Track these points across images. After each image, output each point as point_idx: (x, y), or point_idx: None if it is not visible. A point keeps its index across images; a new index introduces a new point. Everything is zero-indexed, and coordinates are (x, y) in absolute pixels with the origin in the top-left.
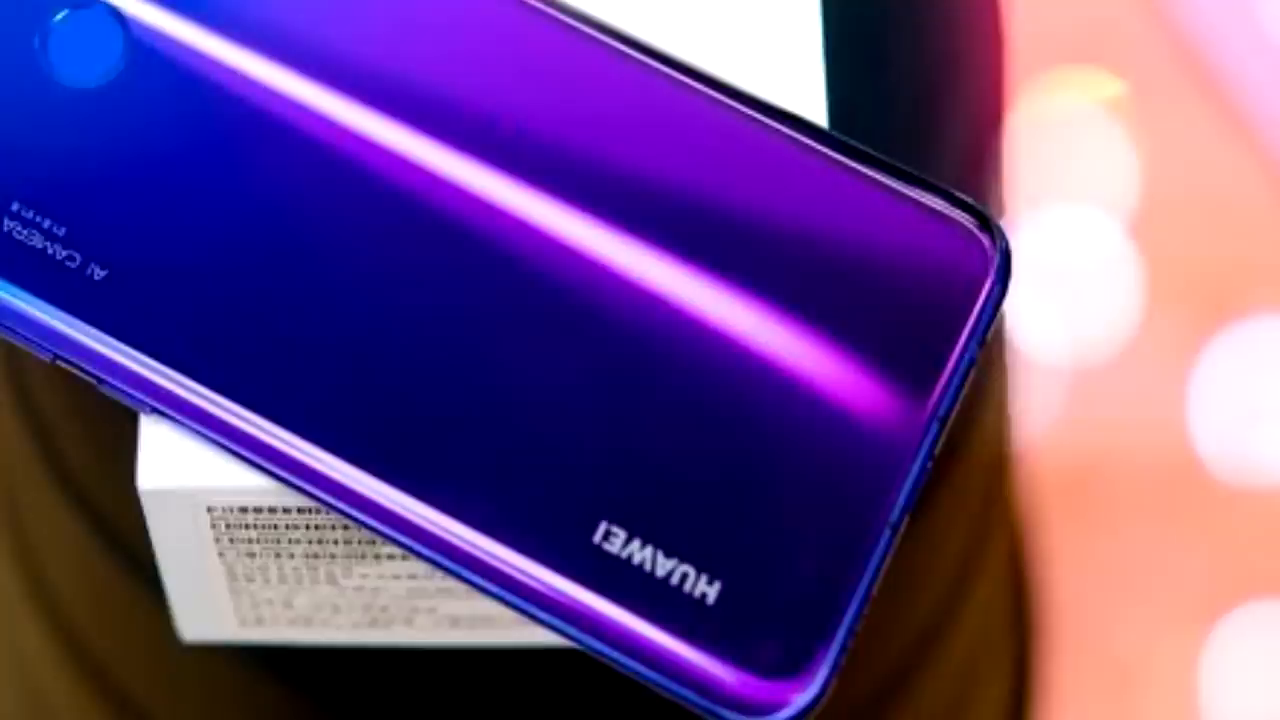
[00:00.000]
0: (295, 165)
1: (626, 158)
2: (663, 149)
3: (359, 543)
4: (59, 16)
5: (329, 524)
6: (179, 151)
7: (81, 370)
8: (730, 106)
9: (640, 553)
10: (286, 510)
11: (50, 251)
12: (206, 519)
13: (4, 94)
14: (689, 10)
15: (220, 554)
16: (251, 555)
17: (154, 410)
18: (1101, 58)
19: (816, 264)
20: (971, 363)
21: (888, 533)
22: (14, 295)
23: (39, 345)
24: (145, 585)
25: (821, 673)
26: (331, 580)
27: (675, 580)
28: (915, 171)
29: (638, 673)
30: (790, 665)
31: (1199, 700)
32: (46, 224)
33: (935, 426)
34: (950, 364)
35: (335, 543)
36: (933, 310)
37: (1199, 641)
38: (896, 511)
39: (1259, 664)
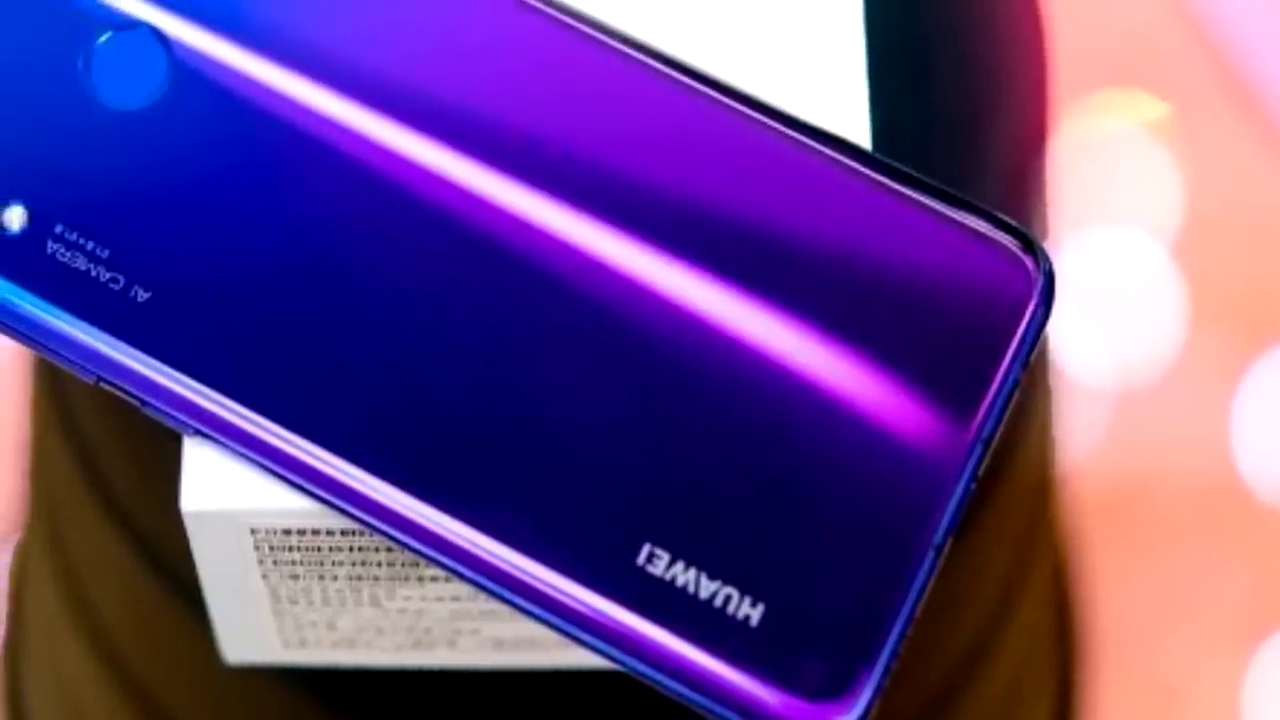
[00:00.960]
0: (337, 187)
1: (669, 179)
2: (706, 170)
3: (402, 565)
4: (102, 38)
5: (372, 546)
6: (222, 173)
7: (125, 392)
8: (773, 128)
9: (684, 575)
10: (330, 532)
11: (94, 274)
12: (250, 541)
13: (48, 116)
14: (733, 32)
15: (264, 576)
16: (295, 577)
17: (197, 432)
18: (1145, 80)
19: (860, 286)
20: (1015, 384)
21: (931, 554)
22: (58, 317)
23: (82, 367)
24: (189, 607)
25: (865, 695)
26: (375, 602)
27: (719, 602)
28: (959, 194)
29: (681, 695)
30: (834, 687)
31: None
32: (90, 246)
33: (979, 448)
34: (994, 386)
35: (379, 565)
36: (976, 332)
37: (1243, 662)
38: (940, 533)
39: None
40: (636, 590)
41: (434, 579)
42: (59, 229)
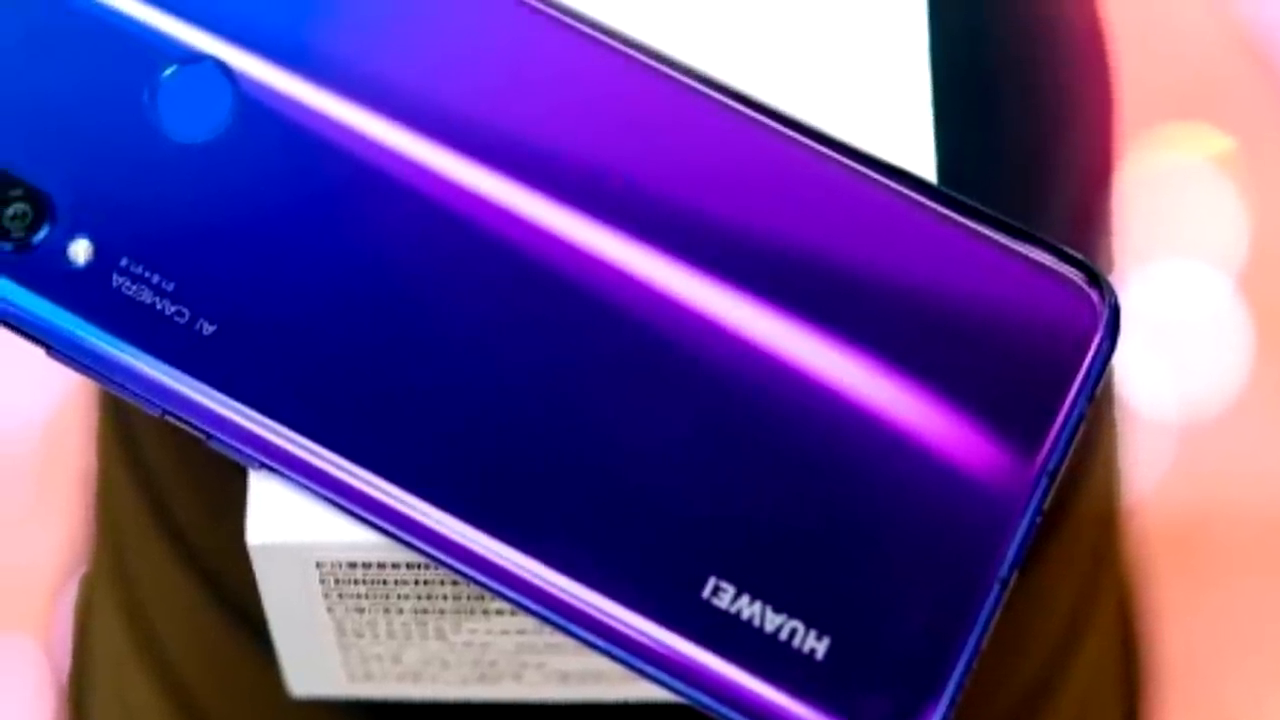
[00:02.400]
0: (402, 220)
1: (734, 212)
2: (771, 203)
3: (468, 598)
4: (168, 72)
5: (438, 579)
6: (287, 206)
7: (190, 425)
8: (839, 161)
9: (749, 608)
10: (395, 565)
11: (159, 307)
12: (315, 574)
13: (113, 149)
14: (799, 66)
15: (329, 609)
16: (360, 610)
17: (263, 465)
18: (1210, 113)
19: (926, 319)
20: (1081, 418)
21: (997, 588)
22: (123, 351)
23: (148, 400)
24: (254, 640)
25: None
26: (440, 635)
27: (784, 636)
28: (1024, 226)
29: None
30: None
31: None
32: (155, 279)
33: (1044, 481)
34: (1059, 419)
35: (444, 598)
36: (1042, 365)
37: None
38: (1006, 566)
39: None
40: (702, 623)
41: (499, 612)
42: (124, 262)
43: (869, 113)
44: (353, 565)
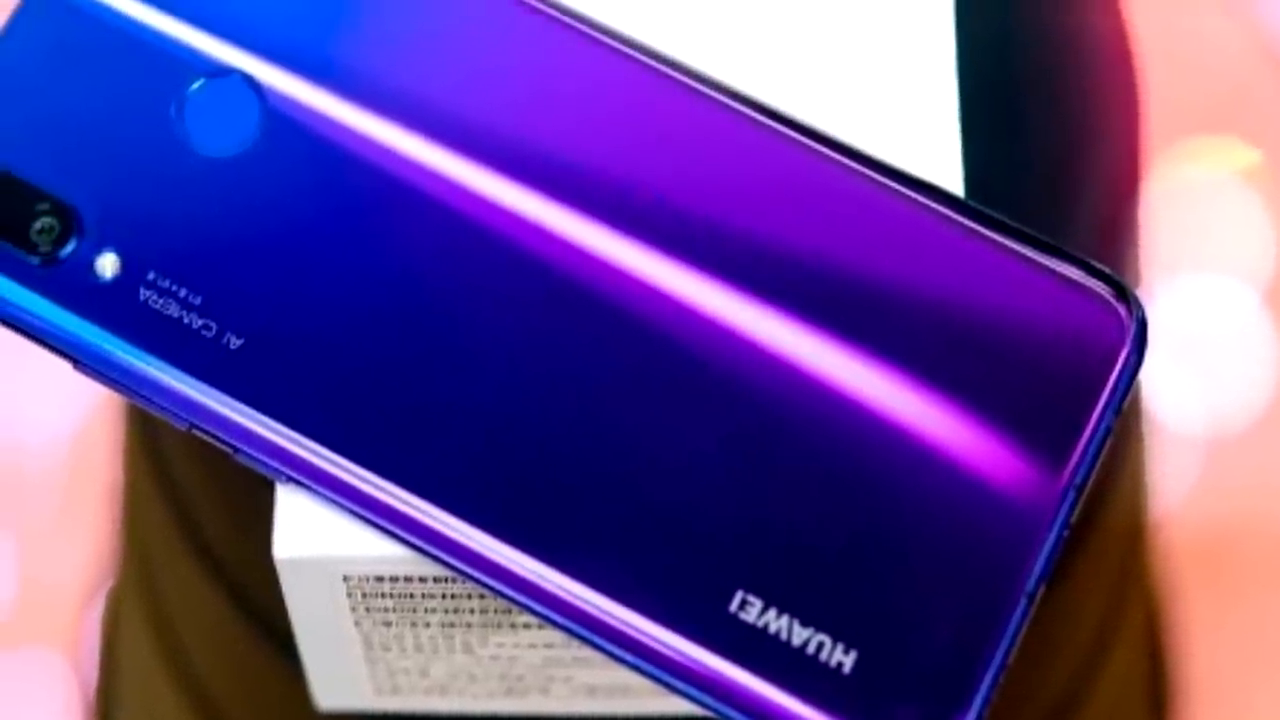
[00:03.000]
0: (429, 234)
1: (761, 226)
2: (797, 217)
3: (495, 611)
4: (195, 85)
5: (465, 593)
6: (315, 220)
7: (217, 439)
8: (866, 175)
9: (776, 622)
10: (422, 579)
11: (186, 320)
12: (343, 588)
13: (140, 163)
14: (826, 80)
15: (356, 623)
16: (388, 624)
17: (290, 479)
18: (1237, 127)
19: (952, 332)
20: (1108, 432)
21: (1024, 601)
22: (150, 364)
23: (175, 414)
24: (281, 654)
25: None
26: (467, 649)
27: (812, 649)
28: (1051, 240)
29: None
30: None
31: None
32: (182, 293)
33: (1071, 495)
34: (1086, 433)
35: (471, 611)
36: (1069, 379)
37: None
38: (1033, 580)
39: None
40: (729, 637)
41: (527, 626)
42: (151, 276)
43: (896, 126)
44: (380, 579)
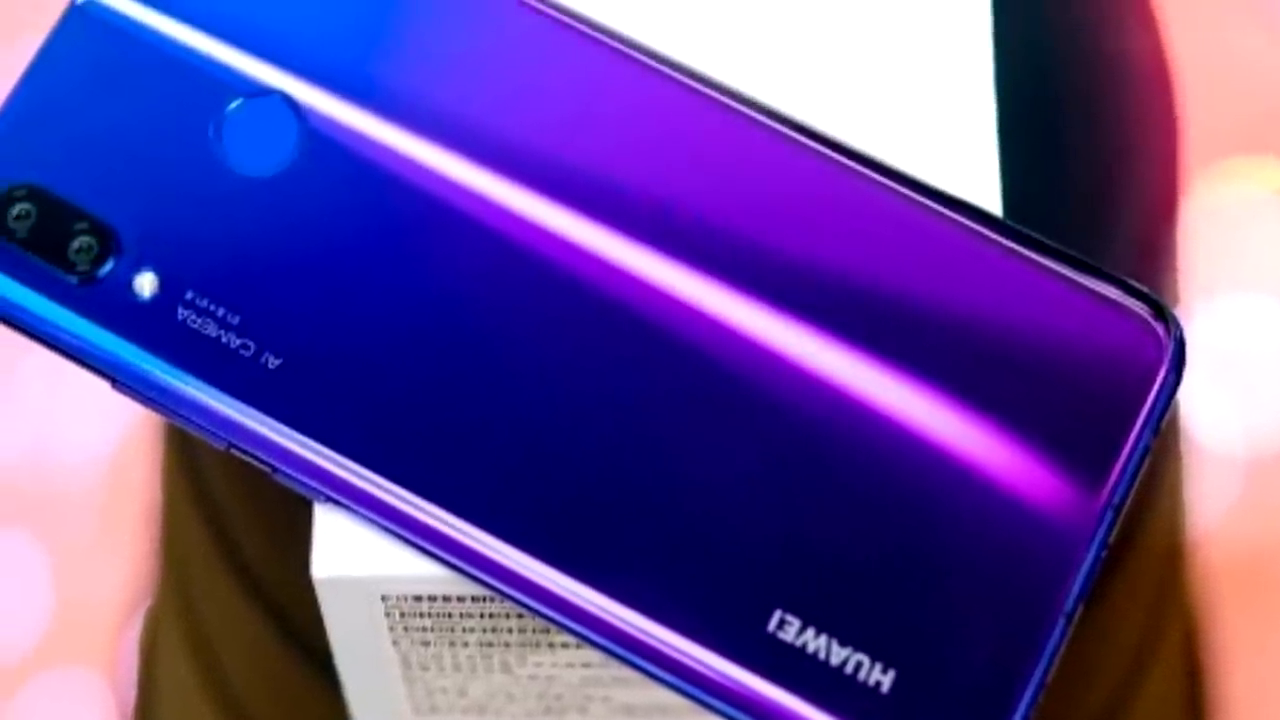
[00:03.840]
0: (468, 254)
1: (800, 245)
2: (836, 237)
3: (533, 631)
4: (234, 105)
5: (503, 612)
6: (353, 240)
7: (256, 459)
8: (905, 195)
9: (815, 641)
10: (461, 599)
11: (224, 340)
12: (381, 607)
13: (179, 183)
14: (865, 100)
15: (395, 642)
16: (426, 644)
17: (328, 499)
18: (1275, 147)
19: (991, 352)
20: (1146, 451)
21: (1062, 621)
22: (189, 384)
23: (213, 434)
24: (320, 673)
25: None
26: (506, 669)
27: (850, 669)
28: (1090, 260)
29: None
30: None
31: None
32: (221, 312)
33: (1110, 515)
34: (1125, 452)
35: (509, 631)
36: (1107, 398)
37: None
38: (1071, 600)
39: None
40: (767, 657)
41: (565, 645)
42: (190, 295)
43: (935, 146)
44: (418, 599)
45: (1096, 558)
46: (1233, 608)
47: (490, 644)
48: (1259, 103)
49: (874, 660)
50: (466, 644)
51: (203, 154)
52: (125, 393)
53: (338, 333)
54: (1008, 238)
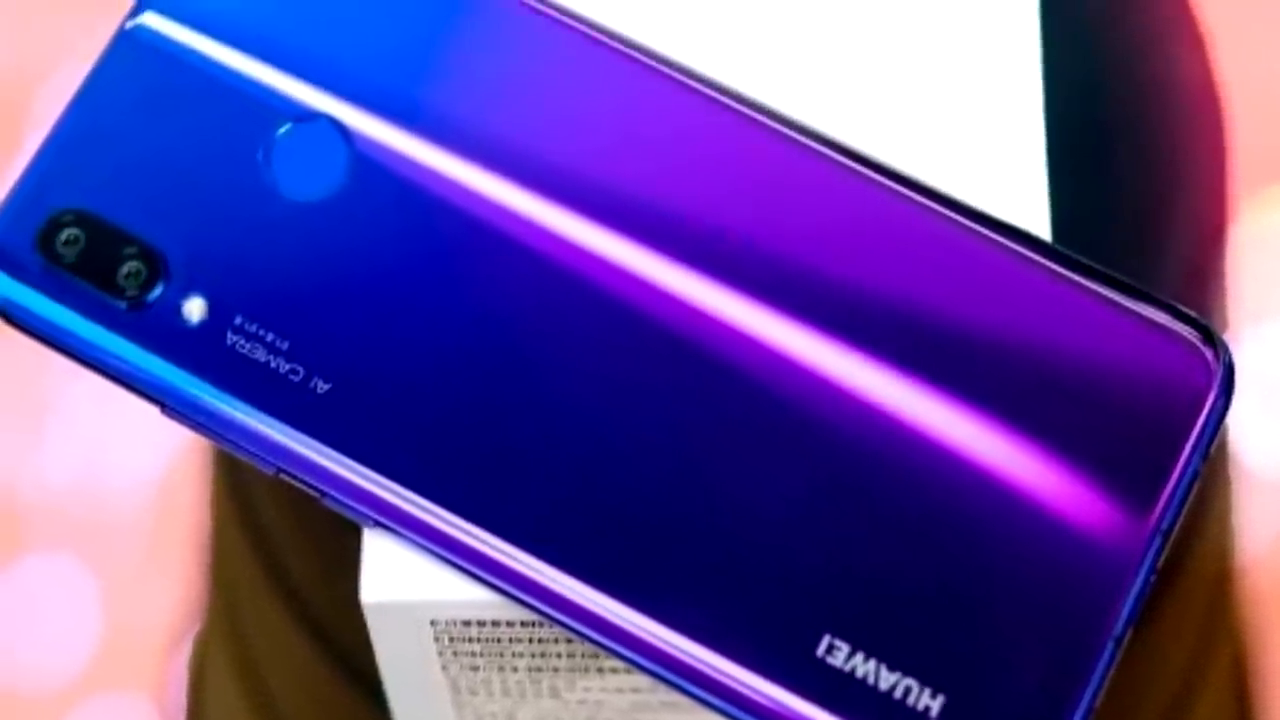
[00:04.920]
0: (518, 279)
1: (847, 270)
2: (884, 261)
3: (582, 656)
4: (282, 130)
5: (552, 637)
6: (402, 265)
7: (305, 484)
8: (953, 219)
9: (864, 666)
10: (510, 623)
11: (273, 365)
12: (430, 632)
13: (227, 207)
14: (914, 125)
15: (444, 667)
16: (475, 669)
17: (377, 524)
18: None
19: (1039, 376)
20: (1195, 476)
21: (1111, 646)
22: (237, 409)
23: (262, 459)
24: (368, 698)
25: None
26: (554, 693)
27: (899, 694)
28: (1138, 284)
29: None
30: None
31: None
32: (269, 337)
33: (1158, 540)
34: (1173, 477)
35: (558, 656)
36: (1156, 423)
37: None
38: (1120, 625)
39: None
40: (817, 682)
41: (614, 670)
42: (239, 320)
43: (983, 170)
44: (467, 623)
45: (1145, 582)
46: None
47: (539, 669)
48: None
49: (923, 685)
50: (515, 669)
51: (250, 178)
52: (174, 418)
53: (386, 357)
54: (1057, 262)
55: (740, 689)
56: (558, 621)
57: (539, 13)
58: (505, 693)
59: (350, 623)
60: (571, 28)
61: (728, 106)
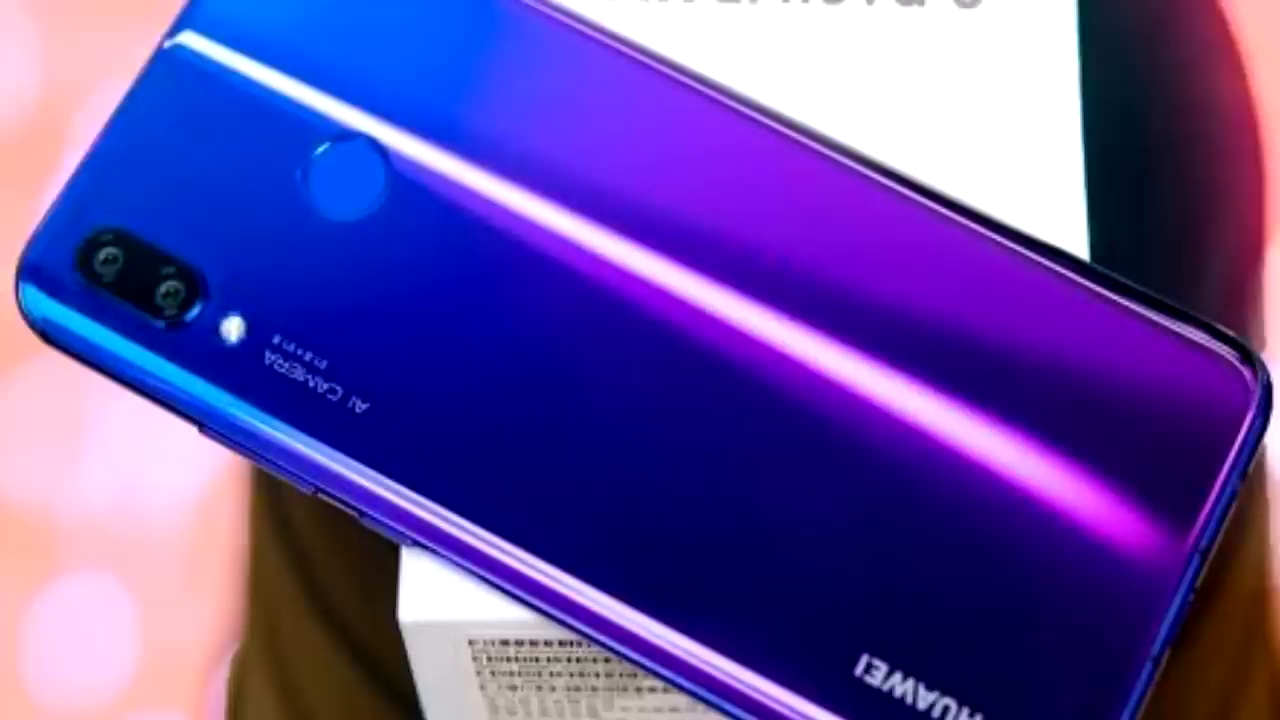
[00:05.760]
0: (556, 299)
1: (886, 290)
2: (923, 281)
3: (620, 675)
4: (320, 149)
5: (590, 656)
6: (440, 284)
7: (343, 503)
8: (991, 239)
9: (902, 685)
10: (548, 643)
11: (311, 384)
12: (468, 651)
13: (265, 226)
14: (953, 146)
15: (482, 686)
16: (513, 688)
17: (415, 543)
18: None
19: (1077, 396)
20: (1233, 495)
21: (1149, 666)
22: (275, 428)
23: (300, 478)
24: (406, 717)
25: None
26: (593, 713)
27: (937, 713)
28: (1177, 304)
29: None
30: None
31: None
32: (308, 357)
33: (1196, 559)
34: (1211, 496)
35: (597, 675)
36: (1194, 442)
37: None
38: (1158, 644)
39: None
40: (855, 701)
41: (652, 690)
42: (277, 339)
43: (1022, 190)
44: (505, 643)
45: (1184, 602)
46: None
47: (578, 688)
48: None
49: (961, 704)
50: (554, 688)
51: (289, 198)
52: (212, 437)
53: (424, 377)
54: (1095, 282)
55: (778, 708)
56: (596, 641)
57: (579, 32)
58: (543, 712)
59: (388, 642)
60: (611, 47)
61: (769, 127)
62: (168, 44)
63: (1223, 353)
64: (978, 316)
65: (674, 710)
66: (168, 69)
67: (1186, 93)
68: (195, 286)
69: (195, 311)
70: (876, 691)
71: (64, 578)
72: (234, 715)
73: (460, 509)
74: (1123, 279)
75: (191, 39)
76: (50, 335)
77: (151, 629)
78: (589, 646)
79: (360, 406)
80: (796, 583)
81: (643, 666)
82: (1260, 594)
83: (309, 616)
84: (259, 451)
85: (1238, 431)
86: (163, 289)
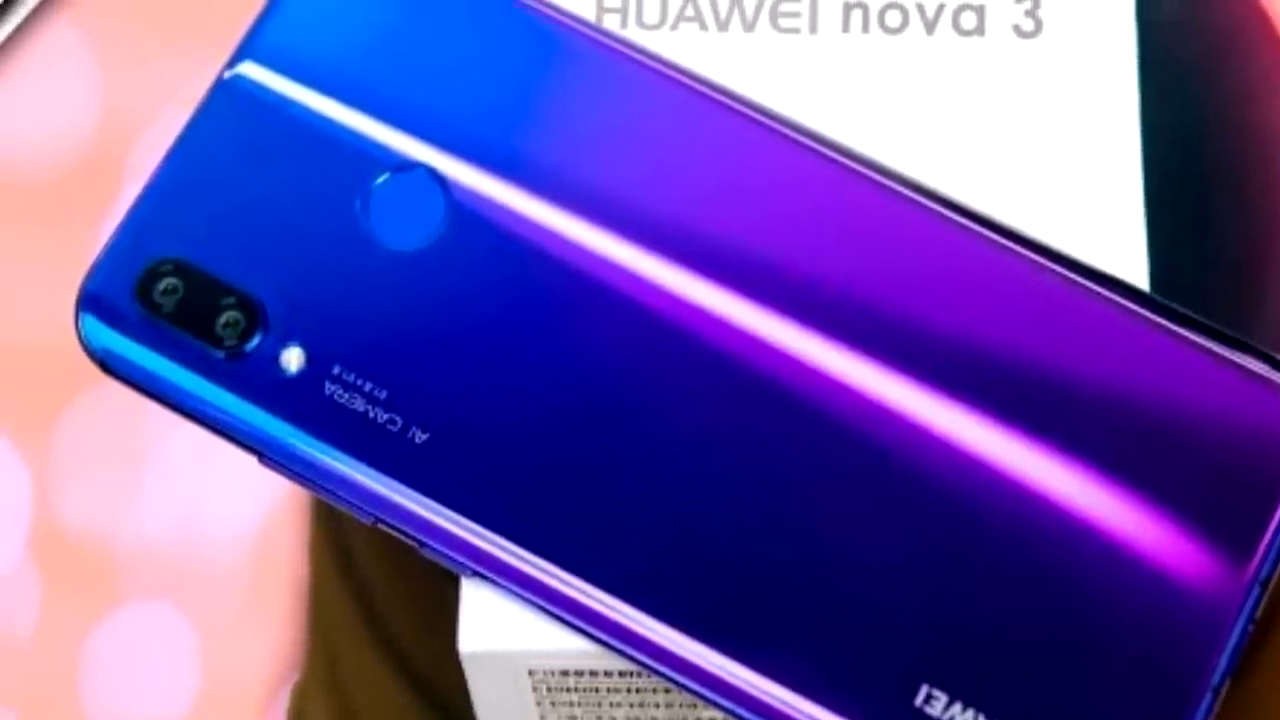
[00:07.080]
0: (615, 329)
1: (946, 320)
2: (983, 311)
3: (680, 706)
4: (380, 179)
5: (650, 687)
6: (500, 314)
7: (403, 533)
8: (1052, 269)
9: (961, 716)
10: (608, 673)
11: (371, 415)
12: (528, 682)
13: (325, 257)
14: (1012, 175)
15: (542, 717)
16: (573, 718)
17: (475, 573)
18: None
19: (1138, 426)
20: None
21: (1209, 696)
22: (335, 458)
23: (360, 509)
24: None
25: None
26: None
27: None
28: (1237, 334)
29: None
30: None
31: None
32: (367, 387)
33: (1257, 589)
34: (1272, 526)
35: (657, 706)
36: (1253, 473)
37: None
38: (1218, 675)
39: None
40: None
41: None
42: (337, 370)
43: (1082, 220)
44: (565, 673)
45: (1244, 632)
46: None
47: (638, 719)
48: None
49: None
50: (614, 718)
51: (349, 228)
52: (272, 468)
53: (484, 407)
54: (1155, 312)
55: None
56: (656, 671)
57: (640, 64)
58: None
59: (449, 672)
60: (672, 78)
61: (829, 158)
62: (228, 74)
63: None
64: (1039, 347)
65: None
66: (227, 99)
67: (1245, 121)
68: (255, 317)
69: (255, 342)
70: None
71: (124, 608)
72: None
73: (520, 539)
74: (1182, 309)
75: (251, 69)
76: (110, 366)
77: (211, 659)
78: (649, 677)
79: (420, 437)
80: (857, 613)
81: (703, 697)
82: None
83: (369, 647)
84: (319, 482)
85: None
86: (223, 319)
